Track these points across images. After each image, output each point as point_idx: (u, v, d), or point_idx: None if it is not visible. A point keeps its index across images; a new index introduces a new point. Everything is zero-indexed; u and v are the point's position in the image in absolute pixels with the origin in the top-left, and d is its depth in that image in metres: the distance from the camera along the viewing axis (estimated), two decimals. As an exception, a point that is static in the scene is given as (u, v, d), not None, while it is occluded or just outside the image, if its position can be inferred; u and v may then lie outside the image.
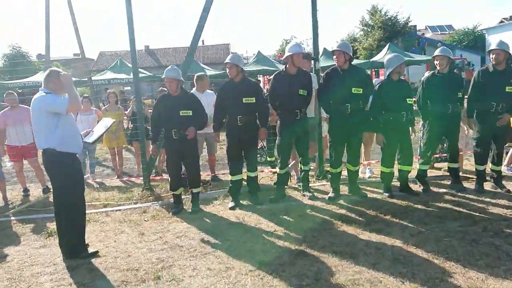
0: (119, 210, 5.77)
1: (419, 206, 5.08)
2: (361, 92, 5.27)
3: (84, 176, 7.89)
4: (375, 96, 5.43)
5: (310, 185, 5.97)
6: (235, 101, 5.32)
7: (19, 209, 6.15)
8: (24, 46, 35.77)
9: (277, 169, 5.79)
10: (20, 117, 7.00)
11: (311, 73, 5.85)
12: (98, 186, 7.53)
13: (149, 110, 7.25)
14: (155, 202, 6.01)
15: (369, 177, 6.62)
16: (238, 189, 5.66)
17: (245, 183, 5.84)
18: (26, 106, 7.41)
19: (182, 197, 5.77)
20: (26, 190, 7.20)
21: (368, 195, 5.62)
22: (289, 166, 5.92)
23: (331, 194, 5.61)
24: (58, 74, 4.11)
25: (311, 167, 6.12)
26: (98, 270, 3.84)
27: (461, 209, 4.88)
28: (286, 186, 5.97)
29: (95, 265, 3.94)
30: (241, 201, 5.63)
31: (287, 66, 5.36)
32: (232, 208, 5.42)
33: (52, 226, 5.06)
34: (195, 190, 5.57)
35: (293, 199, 5.70)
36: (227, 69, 5.42)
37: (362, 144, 5.95)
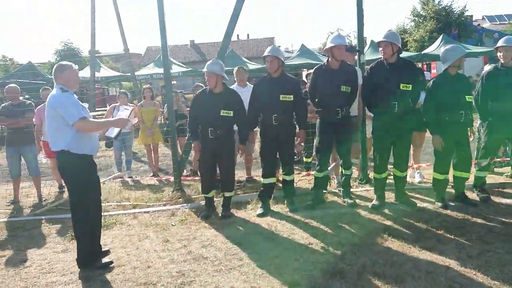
0: (148, 212, 5.50)
1: (479, 220, 4.41)
2: (410, 88, 4.64)
3: (120, 173, 7.87)
4: (429, 93, 4.78)
5: (352, 190, 5.43)
6: (271, 98, 4.86)
7: (49, 208, 6.06)
8: (75, 42, 36.94)
9: (314, 172, 5.29)
10: (55, 113, 6.94)
11: (356, 68, 5.28)
12: (133, 184, 7.36)
13: (187, 108, 6.97)
14: (185, 204, 5.69)
15: (419, 182, 5.96)
16: (269, 194, 5.22)
17: (281, 185, 5.40)
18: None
19: (214, 199, 5.40)
20: (61, 187, 7.14)
21: (418, 204, 4.99)
22: (329, 168, 5.41)
23: (374, 202, 5.03)
24: (64, 68, 3.85)
25: (354, 171, 5.55)
26: (115, 282, 3.54)
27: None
28: (324, 191, 5.46)
29: (112, 277, 3.65)
30: (275, 206, 5.20)
31: (329, 59, 4.83)
32: (260, 215, 4.98)
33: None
34: (227, 194, 5.19)
35: (331, 206, 5.18)
36: (267, 63, 4.94)
37: (411, 146, 5.31)
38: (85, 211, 3.78)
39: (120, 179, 7.62)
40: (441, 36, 19.23)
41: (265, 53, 4.89)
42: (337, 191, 5.64)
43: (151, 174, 8.01)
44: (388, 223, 4.50)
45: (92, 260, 3.81)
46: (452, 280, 3.23)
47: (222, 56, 6.12)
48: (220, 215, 5.12)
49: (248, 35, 51.68)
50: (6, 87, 6.76)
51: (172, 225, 4.96)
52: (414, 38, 29.55)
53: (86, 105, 3.93)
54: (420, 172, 6.10)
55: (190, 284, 3.43)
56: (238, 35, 52.91)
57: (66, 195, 6.76)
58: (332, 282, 3.31)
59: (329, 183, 5.69)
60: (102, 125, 4.14)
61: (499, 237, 3.96)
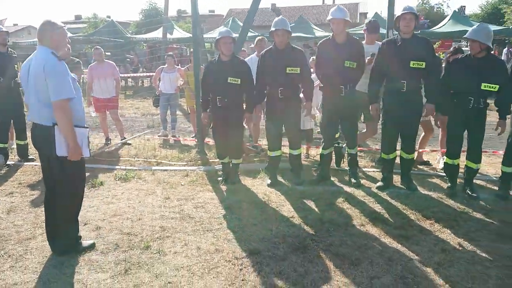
0: (166, 170, 5.91)
1: (478, 215, 4.16)
2: (423, 66, 4.37)
3: (165, 131, 8.37)
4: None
5: (367, 170, 5.32)
6: (276, 71, 4.86)
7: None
8: (159, 2, 38.40)
9: (320, 149, 5.26)
10: (104, 71, 7.54)
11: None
12: (173, 143, 7.82)
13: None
14: (201, 167, 6.01)
15: (441, 168, 5.65)
16: (276, 166, 5.31)
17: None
18: (111, 62, 7.97)
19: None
20: (108, 139, 7.84)
21: (427, 191, 4.79)
22: (343, 146, 5.35)
23: (379, 183, 4.94)
24: (56, 26, 3.31)
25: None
26: (103, 229, 3.97)
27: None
28: (337, 167, 5.44)
29: (103, 223, 4.09)
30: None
31: (333, 33, 4.69)
32: (269, 186, 5.12)
33: (98, 179, 5.43)
34: (234, 161, 5.39)
35: (336, 184, 5.15)
36: (275, 37, 4.89)
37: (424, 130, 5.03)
38: (78, 187, 3.51)
39: (164, 137, 8.14)
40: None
41: (274, 27, 4.81)
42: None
43: (193, 135, 8.43)
44: (379, 206, 4.41)
45: (75, 245, 3.54)
46: (409, 271, 3.16)
47: (249, 24, 6.15)
48: (220, 180, 5.36)
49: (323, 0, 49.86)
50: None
51: (181, 184, 5.31)
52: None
53: (74, 76, 3.40)
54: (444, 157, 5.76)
55: (164, 240, 3.75)
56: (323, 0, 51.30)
57: (109, 148, 7.43)
58: (291, 256, 3.42)
59: (342, 160, 5.65)
60: (68, 126, 3.17)
61: (489, 235, 3.73)
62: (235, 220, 4.14)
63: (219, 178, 5.41)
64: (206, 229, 3.95)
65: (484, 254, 3.39)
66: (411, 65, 4.39)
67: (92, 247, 3.59)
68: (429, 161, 5.88)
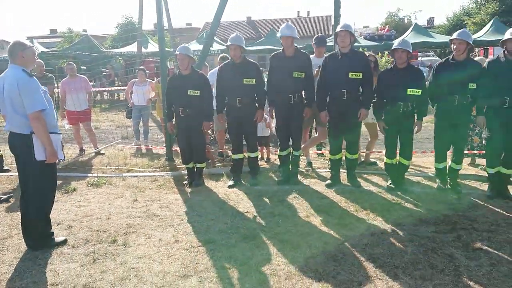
0: (136, 176, 6.34)
1: (408, 205, 4.76)
2: (359, 77, 5.02)
3: (138, 141, 8.78)
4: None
5: (320, 170, 5.89)
6: (234, 82, 5.38)
7: (60, 166, 7.09)
8: (135, 16, 38.65)
9: (278, 151, 5.81)
10: (77, 85, 7.93)
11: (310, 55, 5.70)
12: (145, 152, 8.23)
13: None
14: (169, 172, 6.47)
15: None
16: (239, 168, 5.81)
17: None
18: (82, 76, 8.37)
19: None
20: (81, 150, 8.19)
21: (369, 188, 5.39)
22: (302, 146, 5.90)
23: (328, 181, 5.53)
24: (25, 46, 3.73)
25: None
26: (74, 228, 4.38)
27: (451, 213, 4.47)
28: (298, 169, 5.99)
29: (74, 223, 4.50)
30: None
31: (284, 48, 5.28)
32: (230, 186, 5.61)
33: (71, 185, 5.82)
34: (198, 165, 5.86)
35: (297, 183, 5.68)
36: (230, 51, 5.44)
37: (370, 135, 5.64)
38: (50, 187, 3.92)
39: (137, 146, 8.55)
40: (491, 21, 18.22)
41: (228, 42, 5.35)
42: (304, 170, 6.14)
43: (164, 145, 8.86)
44: (326, 201, 4.96)
45: (49, 240, 3.94)
46: (340, 251, 3.69)
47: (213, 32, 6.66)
48: (185, 183, 5.82)
49: (308, 12, 51.26)
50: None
51: (149, 188, 5.75)
52: (474, 21, 27.91)
53: (45, 89, 3.81)
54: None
55: (130, 234, 4.19)
56: (298, 12, 52.65)
57: (82, 158, 7.80)
58: (241, 243, 3.90)
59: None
60: (44, 134, 3.62)
61: (414, 221, 4.31)
62: (195, 217, 4.61)
63: (185, 182, 5.87)
64: (168, 225, 4.41)
65: (406, 236, 3.96)
66: (349, 76, 4.98)
67: (64, 242, 4.00)
68: (376, 162, 6.49)
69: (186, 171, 6.03)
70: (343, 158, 5.61)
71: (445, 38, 17.69)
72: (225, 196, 5.26)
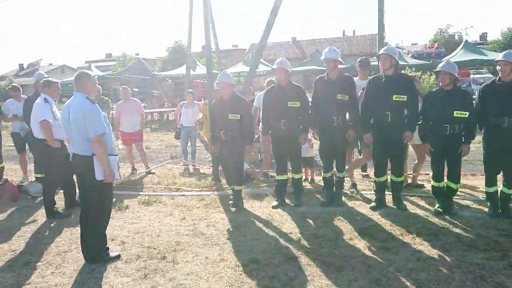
0: (184, 195, 6.60)
1: (457, 230, 4.63)
2: (404, 99, 5.03)
3: (186, 161, 9.13)
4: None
5: (365, 192, 5.88)
6: (278, 105, 5.54)
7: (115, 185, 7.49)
8: (184, 40, 40.40)
9: (322, 173, 5.86)
10: (130, 108, 8.45)
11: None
12: (192, 172, 8.55)
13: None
14: (215, 192, 6.68)
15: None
16: (283, 189, 5.90)
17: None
18: (136, 99, 8.89)
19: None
20: (133, 169, 8.64)
21: (415, 211, 5.30)
22: (346, 168, 5.93)
23: (373, 204, 5.53)
24: (89, 76, 4.17)
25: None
26: (127, 243, 4.65)
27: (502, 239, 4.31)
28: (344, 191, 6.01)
29: (127, 239, 4.77)
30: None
31: (328, 71, 5.39)
32: (274, 207, 5.72)
33: (124, 203, 6.16)
34: (236, 188, 5.88)
35: (340, 205, 5.67)
36: (275, 74, 5.63)
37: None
38: (108, 206, 4.29)
39: (185, 166, 8.90)
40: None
41: (274, 66, 5.55)
42: (348, 192, 6.14)
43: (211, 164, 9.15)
44: (370, 224, 4.94)
45: (103, 255, 4.21)
46: (384, 275, 3.67)
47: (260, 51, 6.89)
48: (231, 203, 5.96)
49: (354, 31, 51.19)
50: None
51: (196, 207, 5.97)
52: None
53: (104, 114, 4.20)
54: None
55: (178, 252, 4.38)
56: (344, 31, 52.70)
57: (134, 177, 8.21)
58: (284, 264, 3.98)
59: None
60: (104, 156, 3.96)
61: (463, 247, 4.19)
62: (240, 236, 4.75)
63: (230, 202, 6.04)
64: (214, 243, 4.58)
65: (453, 262, 3.87)
66: (393, 98, 5.00)
67: (117, 257, 4.26)
68: (423, 184, 6.37)
69: (231, 191, 6.21)
70: (388, 180, 5.58)
71: (498, 55, 17.05)
72: (269, 217, 5.36)
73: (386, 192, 5.61)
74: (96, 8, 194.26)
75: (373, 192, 5.87)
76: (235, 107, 5.64)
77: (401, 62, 16.66)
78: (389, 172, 5.55)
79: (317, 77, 5.69)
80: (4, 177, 7.65)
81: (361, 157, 6.32)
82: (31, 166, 7.72)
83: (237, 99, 5.75)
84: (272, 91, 5.71)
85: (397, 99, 4.99)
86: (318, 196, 6.21)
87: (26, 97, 7.33)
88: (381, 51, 5.10)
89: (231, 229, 5.00)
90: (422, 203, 5.68)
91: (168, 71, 24.10)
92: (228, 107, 5.66)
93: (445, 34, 42.84)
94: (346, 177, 6.20)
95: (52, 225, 5.40)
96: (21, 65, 59.13)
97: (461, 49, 18.10)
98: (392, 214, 5.19)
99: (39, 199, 6.59)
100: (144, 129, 9.42)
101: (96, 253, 4.17)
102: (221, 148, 5.92)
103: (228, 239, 4.69)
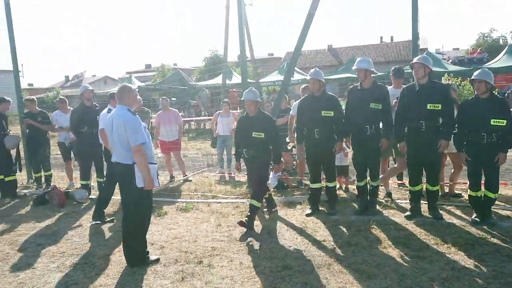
0: (220, 202, 6.79)
1: (494, 240, 4.54)
2: (438, 108, 5.00)
3: (221, 169, 9.36)
4: None
5: (400, 201, 5.87)
6: (312, 114, 5.63)
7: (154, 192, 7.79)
8: (220, 49, 41.23)
9: (356, 182, 5.88)
10: (169, 118, 8.78)
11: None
12: (228, 179, 8.76)
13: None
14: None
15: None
16: (316, 197, 5.97)
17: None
18: (175, 110, 9.22)
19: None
20: (172, 177, 8.94)
21: (452, 220, 5.22)
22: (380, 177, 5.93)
23: (408, 213, 5.47)
24: (131, 89, 4.45)
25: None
26: (166, 248, 4.87)
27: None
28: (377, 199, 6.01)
29: (166, 244, 4.99)
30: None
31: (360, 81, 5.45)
32: (308, 215, 5.79)
33: (163, 209, 6.41)
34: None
35: (374, 213, 5.67)
36: (309, 84, 5.75)
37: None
38: (148, 212, 4.49)
39: (221, 174, 9.12)
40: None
41: (309, 76, 5.65)
42: (383, 201, 6.12)
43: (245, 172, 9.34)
44: (404, 233, 4.91)
45: (144, 258, 4.43)
46: (417, 284, 3.68)
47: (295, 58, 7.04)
48: (274, 209, 6.10)
49: (392, 37, 50.32)
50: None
51: (232, 214, 6.13)
52: None
53: (145, 124, 4.42)
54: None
55: (214, 257, 4.55)
56: (381, 38, 51.94)
57: (172, 184, 8.50)
58: (317, 270, 4.06)
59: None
60: (144, 164, 4.16)
61: (500, 257, 4.11)
62: (274, 243, 4.86)
63: (264, 209, 6.16)
64: (249, 250, 4.71)
65: (490, 273, 3.81)
66: (428, 107, 4.98)
67: (157, 261, 4.48)
68: (461, 194, 6.24)
69: (264, 200, 6.33)
70: (424, 189, 5.53)
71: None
72: (303, 224, 5.44)
73: (422, 201, 5.56)
74: (136, 20, 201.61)
75: (408, 201, 5.82)
76: (259, 125, 5.55)
77: (440, 69, 16.39)
78: (424, 181, 5.51)
79: (351, 86, 5.75)
80: (52, 184, 8.15)
81: (396, 165, 6.29)
82: (76, 174, 8.19)
83: (262, 117, 5.66)
84: (306, 101, 5.82)
85: (431, 107, 4.97)
86: (354, 204, 6.23)
87: (72, 108, 7.79)
88: (415, 60, 5.11)
89: (265, 236, 5.11)
90: (458, 212, 5.59)
91: (205, 81, 24.65)
92: (252, 125, 5.60)
93: (488, 38, 41.35)
94: (381, 185, 6.19)
95: (97, 229, 5.72)
96: (66, 77, 62.40)
97: (504, 54, 17.45)
98: (427, 224, 5.14)
99: (84, 204, 6.98)
100: (181, 138, 9.73)
101: (137, 256, 4.41)
102: (246, 165, 6.03)
103: (262, 245, 4.81)
